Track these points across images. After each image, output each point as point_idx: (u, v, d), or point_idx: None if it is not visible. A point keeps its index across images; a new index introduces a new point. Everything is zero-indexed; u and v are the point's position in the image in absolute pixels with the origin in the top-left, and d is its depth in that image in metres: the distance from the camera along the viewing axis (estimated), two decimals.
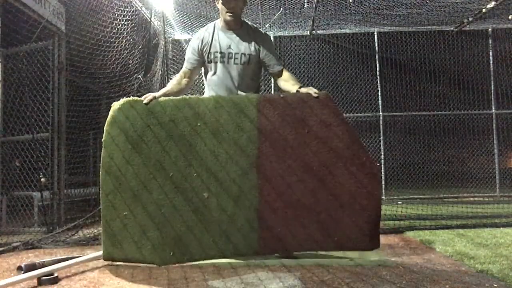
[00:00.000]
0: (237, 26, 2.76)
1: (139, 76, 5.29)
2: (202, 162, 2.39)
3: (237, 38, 2.75)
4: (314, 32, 7.60)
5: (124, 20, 4.98)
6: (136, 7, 5.54)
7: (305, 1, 6.27)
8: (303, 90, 2.55)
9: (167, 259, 2.33)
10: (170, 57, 7.03)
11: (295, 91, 2.60)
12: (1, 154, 4.39)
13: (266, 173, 2.37)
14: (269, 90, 7.36)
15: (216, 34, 2.77)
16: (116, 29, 4.83)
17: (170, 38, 7.21)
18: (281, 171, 2.37)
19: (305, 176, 2.36)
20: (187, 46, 2.91)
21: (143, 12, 5.86)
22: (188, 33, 7.28)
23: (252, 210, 2.33)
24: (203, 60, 2.79)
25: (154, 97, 2.54)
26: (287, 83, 2.72)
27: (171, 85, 2.78)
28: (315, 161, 2.36)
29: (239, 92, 2.75)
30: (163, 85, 6.15)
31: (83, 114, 4.74)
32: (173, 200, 2.35)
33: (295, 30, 7.60)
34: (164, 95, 2.64)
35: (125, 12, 5.04)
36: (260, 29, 2.93)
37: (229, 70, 2.75)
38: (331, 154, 2.37)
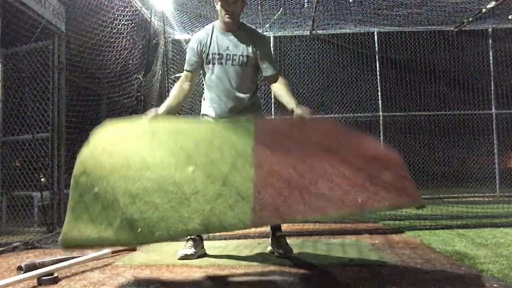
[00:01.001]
0: (235, 27, 2.75)
1: (139, 76, 5.29)
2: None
3: (235, 39, 2.74)
4: (314, 32, 7.60)
5: (124, 20, 4.99)
6: (136, 7, 5.54)
7: (305, 1, 6.27)
8: (298, 111, 2.39)
9: (133, 237, 1.85)
10: (170, 57, 7.03)
11: (289, 108, 2.51)
12: (1, 154, 4.39)
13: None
14: (270, 93, 7.36)
15: (214, 36, 2.76)
16: (116, 29, 4.83)
17: (170, 38, 7.21)
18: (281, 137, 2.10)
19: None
20: (187, 47, 2.91)
21: (143, 12, 5.86)
22: (188, 33, 7.28)
23: (246, 179, 1.89)
24: (202, 61, 2.78)
25: (157, 114, 2.43)
26: (281, 95, 2.65)
27: (172, 96, 2.69)
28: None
29: (237, 94, 2.74)
30: (163, 85, 6.17)
31: (83, 114, 4.74)
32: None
33: (295, 30, 7.60)
34: (168, 107, 2.57)
35: (125, 12, 5.04)
36: (258, 31, 2.93)
37: (227, 72, 2.74)
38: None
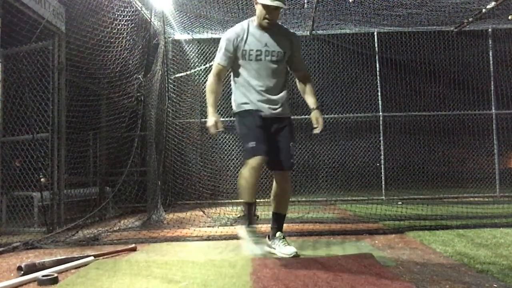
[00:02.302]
0: (271, 27, 2.81)
1: (139, 76, 5.29)
2: None
3: (272, 36, 2.80)
4: (314, 32, 7.60)
5: (124, 20, 4.98)
6: (136, 7, 5.54)
7: (305, 1, 6.27)
8: (316, 113, 2.88)
9: None
10: (170, 57, 7.03)
11: (310, 106, 2.93)
12: (1, 154, 4.39)
13: None
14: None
15: (251, 32, 2.80)
16: (116, 29, 4.83)
17: (170, 38, 7.21)
18: None
19: None
20: (222, 41, 2.84)
21: (143, 12, 5.86)
22: (188, 33, 7.28)
23: None
24: (235, 57, 2.80)
25: (216, 122, 2.69)
26: (308, 93, 2.96)
27: (215, 93, 2.82)
28: None
29: (267, 95, 2.80)
30: (163, 85, 6.17)
31: (83, 114, 4.74)
32: None
33: (295, 30, 7.59)
34: (215, 107, 2.79)
35: (125, 12, 5.04)
36: (290, 30, 3.04)
37: (262, 69, 2.79)
38: None
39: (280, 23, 2.99)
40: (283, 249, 2.77)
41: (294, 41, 2.89)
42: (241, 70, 2.83)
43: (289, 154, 2.82)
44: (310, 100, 2.93)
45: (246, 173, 2.64)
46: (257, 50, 2.77)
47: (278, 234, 2.87)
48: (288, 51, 2.83)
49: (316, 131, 2.85)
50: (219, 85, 2.85)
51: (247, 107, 2.81)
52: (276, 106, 2.83)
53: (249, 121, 2.76)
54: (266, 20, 2.72)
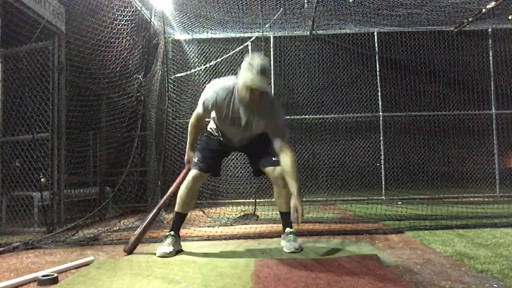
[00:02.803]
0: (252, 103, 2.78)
1: (139, 76, 5.29)
2: None
3: (251, 115, 2.84)
4: (314, 32, 7.60)
5: (124, 20, 4.98)
6: (136, 7, 5.54)
7: (305, 1, 6.27)
8: (295, 201, 2.65)
9: None
10: (170, 57, 7.03)
11: (291, 191, 2.72)
12: (1, 154, 4.39)
13: None
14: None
15: (232, 101, 2.82)
16: (116, 29, 4.83)
17: (170, 38, 7.21)
18: None
19: None
20: (204, 93, 2.89)
21: (143, 12, 5.86)
22: (188, 33, 7.28)
23: None
24: (213, 112, 2.97)
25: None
26: (285, 171, 2.77)
27: (193, 135, 3.12)
28: None
29: (247, 139, 3.02)
30: (163, 85, 6.16)
31: (83, 114, 4.74)
32: None
33: (295, 30, 7.60)
34: (193, 146, 3.15)
35: (125, 12, 5.03)
36: (272, 103, 2.91)
37: (238, 132, 2.97)
38: None
39: (264, 95, 2.79)
40: (286, 244, 2.94)
41: (273, 113, 2.82)
42: (217, 119, 2.99)
43: (270, 154, 2.97)
44: (291, 184, 2.72)
45: (185, 184, 3.00)
46: (231, 118, 2.87)
47: (286, 230, 3.06)
48: (264, 129, 2.92)
49: (293, 220, 2.66)
50: (198, 129, 3.10)
51: (214, 137, 3.13)
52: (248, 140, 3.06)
53: (207, 144, 3.11)
54: (247, 98, 2.71)
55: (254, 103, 2.75)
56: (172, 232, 2.97)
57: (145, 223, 3.05)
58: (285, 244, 2.96)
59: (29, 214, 4.28)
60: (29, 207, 4.27)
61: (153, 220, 3.13)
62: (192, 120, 3.05)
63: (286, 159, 2.77)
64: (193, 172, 2.98)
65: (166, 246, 2.88)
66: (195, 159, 3.03)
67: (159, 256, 2.81)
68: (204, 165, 2.99)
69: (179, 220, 3.05)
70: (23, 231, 4.03)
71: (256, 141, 3.04)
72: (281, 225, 3.19)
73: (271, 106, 2.86)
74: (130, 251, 2.93)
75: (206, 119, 3.06)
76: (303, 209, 2.64)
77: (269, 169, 2.99)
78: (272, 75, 7.42)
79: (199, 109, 2.94)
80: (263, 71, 2.62)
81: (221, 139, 3.10)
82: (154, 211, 3.13)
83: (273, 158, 2.93)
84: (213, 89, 2.83)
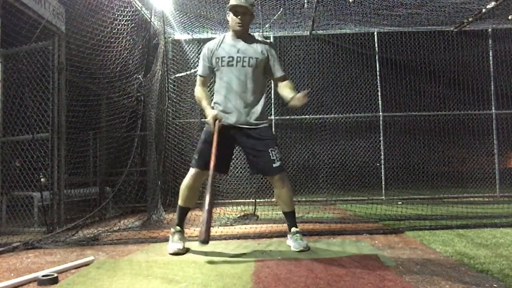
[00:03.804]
0: (245, 35, 3.00)
1: (139, 76, 5.29)
2: None
3: (245, 43, 2.98)
4: (314, 32, 7.60)
5: (124, 20, 4.98)
6: (136, 7, 5.54)
7: (305, 1, 6.27)
8: (296, 95, 2.76)
9: None
10: (170, 57, 7.03)
11: (288, 97, 2.84)
12: (1, 154, 4.39)
13: None
14: (269, 95, 7.37)
15: (225, 41, 3.02)
16: (116, 29, 4.83)
17: (170, 38, 7.21)
18: None
19: None
20: (201, 53, 3.11)
21: (143, 12, 5.86)
22: (188, 33, 7.28)
23: None
24: (213, 67, 3.01)
25: (216, 116, 2.87)
26: (285, 89, 2.98)
27: (206, 96, 3.03)
28: None
29: (245, 95, 2.94)
30: (163, 85, 6.16)
31: (83, 114, 4.74)
32: None
33: (295, 30, 7.60)
34: (210, 105, 2.98)
35: (125, 12, 5.03)
36: (266, 39, 3.15)
37: (236, 75, 2.93)
38: None
39: (256, 34, 3.15)
40: (293, 243, 2.95)
41: (268, 47, 3.01)
42: (217, 80, 3.04)
43: (270, 160, 2.92)
44: (287, 92, 2.92)
45: (185, 180, 3.02)
46: (229, 57, 2.94)
47: (292, 229, 3.06)
48: (261, 57, 2.95)
49: (293, 100, 2.78)
50: (205, 91, 3.06)
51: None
52: (247, 115, 2.96)
53: (207, 134, 2.99)
54: (237, 24, 2.92)
55: (247, 34, 2.99)
56: (178, 228, 3.02)
57: (207, 207, 2.62)
58: (293, 244, 2.95)
59: (29, 214, 4.28)
60: (29, 207, 4.27)
61: (213, 202, 2.70)
62: (196, 87, 3.09)
63: (287, 83, 3.01)
64: (191, 170, 3.01)
65: (176, 243, 2.92)
66: (195, 155, 3.01)
67: (172, 254, 2.84)
68: (200, 162, 2.96)
69: (183, 213, 3.09)
70: (23, 231, 4.03)
71: (261, 137, 2.96)
72: (281, 225, 3.20)
73: (267, 40, 3.10)
74: (208, 239, 2.56)
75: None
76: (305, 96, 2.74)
77: (268, 178, 3.08)
78: None
79: (199, 71, 3.07)
80: None
81: (223, 115, 2.93)
82: (209, 193, 2.66)
83: (273, 165, 2.92)
84: (207, 43, 3.10)
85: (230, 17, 2.96)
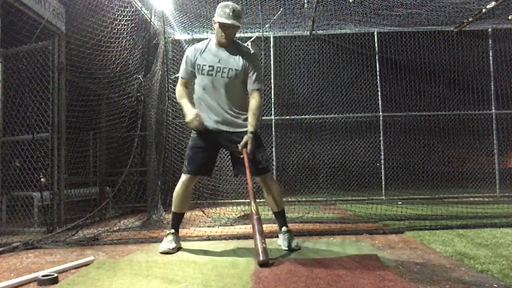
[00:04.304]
0: (228, 44, 2.98)
1: (139, 76, 5.29)
2: None
3: (228, 54, 2.97)
4: (314, 32, 7.60)
5: (124, 20, 4.98)
6: (136, 7, 5.54)
7: (305, 1, 6.27)
8: (245, 138, 2.85)
9: None
10: (170, 57, 7.03)
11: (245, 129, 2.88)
12: (1, 154, 4.39)
13: None
14: (269, 94, 7.36)
15: (208, 48, 3.01)
16: (116, 29, 4.82)
17: (170, 38, 7.21)
18: None
19: None
20: (184, 56, 3.11)
21: (143, 12, 5.86)
22: (188, 33, 7.28)
23: None
24: (194, 72, 3.03)
25: (197, 114, 2.92)
26: (250, 111, 2.93)
27: (187, 96, 3.05)
28: None
29: (223, 107, 2.95)
30: (163, 85, 6.16)
31: (83, 114, 4.74)
32: None
33: (295, 30, 7.60)
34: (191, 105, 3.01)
35: (125, 12, 5.03)
36: (249, 48, 3.13)
37: (217, 84, 2.95)
38: None
39: (240, 42, 3.13)
40: (284, 242, 2.97)
41: (250, 59, 2.98)
42: (196, 87, 3.06)
43: (256, 161, 2.94)
44: (250, 120, 2.90)
45: (177, 187, 3.06)
46: (209, 66, 2.95)
47: (283, 229, 3.07)
48: (241, 69, 2.94)
49: (240, 149, 2.86)
50: (186, 91, 3.08)
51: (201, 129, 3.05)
52: (227, 121, 2.97)
53: (193, 140, 3.06)
54: (223, 37, 2.91)
55: (231, 45, 2.96)
56: (172, 230, 3.07)
57: (256, 227, 2.67)
58: (283, 242, 2.99)
59: (29, 214, 4.28)
60: (29, 207, 4.27)
61: (261, 222, 2.73)
62: (177, 87, 3.11)
63: (253, 102, 2.94)
64: (183, 177, 3.05)
65: (168, 243, 2.97)
66: (185, 162, 3.08)
67: (162, 252, 2.89)
68: (192, 168, 3.02)
69: (177, 219, 3.14)
70: (23, 231, 4.02)
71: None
72: None
73: (250, 51, 3.05)
74: (267, 259, 2.51)
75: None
76: (253, 145, 2.83)
77: (257, 178, 3.08)
78: (272, 75, 7.43)
79: (180, 73, 3.08)
80: (236, 12, 2.85)
81: (204, 117, 2.99)
82: (256, 215, 2.71)
83: (259, 166, 2.95)
84: (191, 47, 3.10)
85: (216, 28, 2.93)
